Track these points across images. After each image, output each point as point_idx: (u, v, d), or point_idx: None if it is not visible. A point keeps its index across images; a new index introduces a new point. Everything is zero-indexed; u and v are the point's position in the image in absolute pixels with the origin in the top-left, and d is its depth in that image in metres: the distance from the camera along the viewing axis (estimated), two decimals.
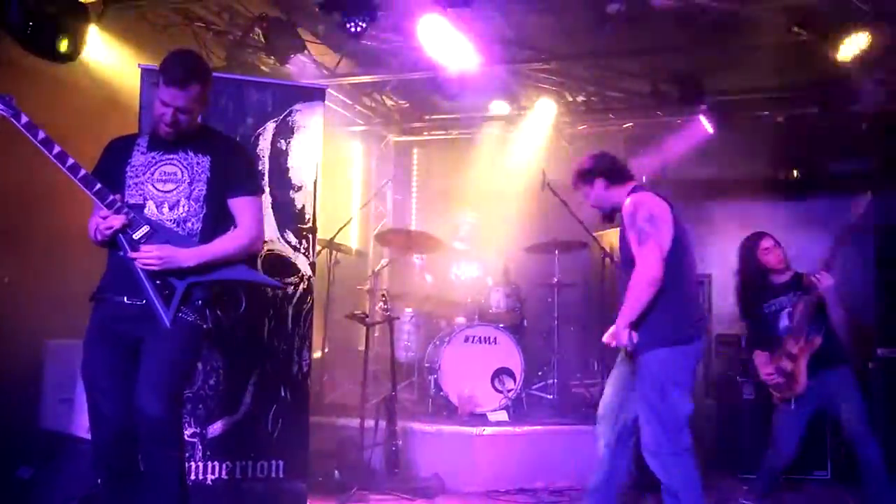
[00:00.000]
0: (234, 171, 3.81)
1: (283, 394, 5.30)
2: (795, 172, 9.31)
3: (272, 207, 5.34)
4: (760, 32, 6.54)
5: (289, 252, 5.39)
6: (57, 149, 3.50)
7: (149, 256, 3.51)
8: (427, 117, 9.90)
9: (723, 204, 9.38)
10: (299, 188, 5.46)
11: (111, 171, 3.70)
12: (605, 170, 4.57)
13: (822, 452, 6.41)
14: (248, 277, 3.91)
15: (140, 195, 3.66)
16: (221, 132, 4.09)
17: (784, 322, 5.24)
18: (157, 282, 3.55)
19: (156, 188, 3.68)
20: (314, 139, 5.51)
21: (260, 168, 5.34)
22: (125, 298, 3.60)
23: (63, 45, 5.59)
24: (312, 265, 5.48)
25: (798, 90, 8.07)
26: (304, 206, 5.46)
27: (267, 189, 5.33)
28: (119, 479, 3.62)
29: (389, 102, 9.77)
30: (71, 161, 3.51)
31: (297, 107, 5.49)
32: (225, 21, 7.03)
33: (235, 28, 7.08)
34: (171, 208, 3.67)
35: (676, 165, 9.16)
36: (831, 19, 6.18)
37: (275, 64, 7.14)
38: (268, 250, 5.33)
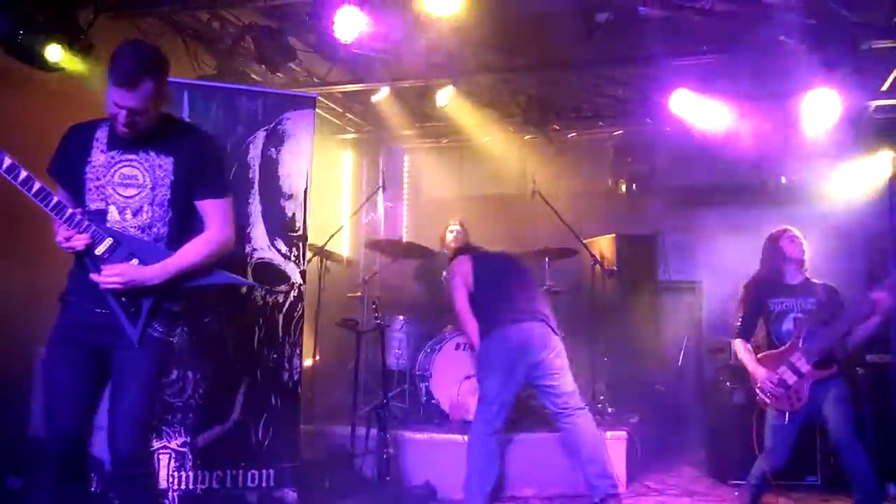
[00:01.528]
0: (200, 173, 3.64)
1: (273, 402, 5.30)
2: (784, 179, 9.35)
3: (262, 215, 5.36)
4: (748, 40, 6.57)
5: (279, 260, 5.41)
6: (8, 161, 3.34)
7: (111, 281, 3.40)
8: (417, 125, 9.90)
9: (711, 211, 9.42)
10: (290, 196, 5.47)
11: (70, 169, 3.55)
12: (456, 251, 6.34)
13: (813, 458, 6.40)
14: (220, 281, 3.72)
15: (102, 200, 3.51)
16: (187, 124, 3.90)
17: (788, 326, 5.14)
18: (123, 299, 3.45)
19: (117, 192, 3.51)
20: (305, 147, 5.53)
21: (250, 176, 5.36)
22: (94, 308, 3.49)
23: (53, 55, 5.59)
24: (303, 273, 5.50)
25: (786, 98, 8.10)
26: (294, 214, 5.48)
27: (257, 197, 5.36)
28: (64, 481, 3.51)
29: (380, 110, 9.77)
30: (23, 175, 3.36)
31: (287, 115, 5.51)
32: (215, 30, 7.03)
33: (226, 37, 7.08)
34: (134, 214, 3.52)
35: (665, 173, 9.20)
36: (818, 28, 6.21)
37: (265, 72, 7.15)
38: (258, 258, 5.34)
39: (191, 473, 5.02)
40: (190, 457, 5.04)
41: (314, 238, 6.22)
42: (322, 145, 7.01)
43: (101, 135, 3.58)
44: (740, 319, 5.38)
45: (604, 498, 5.27)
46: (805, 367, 4.98)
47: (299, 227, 5.49)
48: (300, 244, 5.49)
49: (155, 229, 3.55)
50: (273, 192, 5.43)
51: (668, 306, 9.18)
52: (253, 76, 7.47)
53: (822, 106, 6.94)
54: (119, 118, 3.44)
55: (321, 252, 7.33)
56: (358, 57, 7.44)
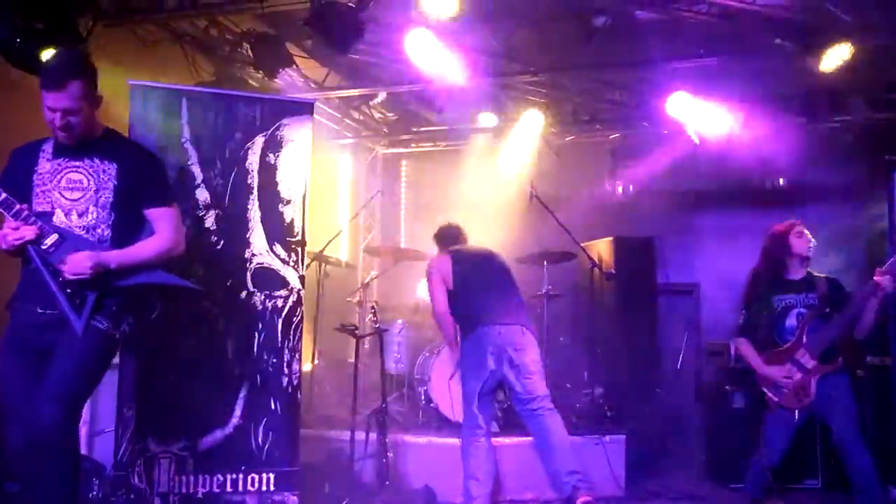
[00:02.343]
0: (147, 182, 3.84)
1: (273, 406, 5.30)
2: (782, 181, 9.37)
3: (261, 221, 5.37)
4: (745, 44, 6.60)
5: (278, 265, 5.40)
6: None
7: (81, 267, 3.54)
8: (415, 129, 9.93)
9: (709, 214, 9.44)
10: (288, 202, 5.47)
11: (19, 179, 3.70)
12: (438, 237, 6.39)
13: (813, 461, 6.40)
14: (165, 281, 3.90)
15: (48, 203, 3.67)
16: (129, 139, 4.08)
17: (791, 321, 5.11)
18: (69, 291, 3.57)
19: (63, 196, 3.69)
20: (303, 153, 5.53)
21: (249, 182, 5.37)
22: (38, 308, 3.63)
23: None
24: (302, 278, 5.50)
25: (784, 101, 8.12)
26: (293, 220, 5.48)
27: (256, 203, 5.36)
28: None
29: (377, 115, 9.81)
30: None
31: (285, 121, 5.51)
32: (213, 37, 7.05)
33: (224, 43, 7.10)
34: (79, 216, 3.69)
35: (663, 176, 9.21)
36: (814, 31, 6.24)
37: (263, 78, 7.17)
38: (257, 263, 5.34)
39: (191, 477, 5.02)
40: (190, 461, 5.04)
41: (313, 243, 6.22)
42: (320, 150, 7.02)
43: (47, 146, 3.77)
44: (743, 317, 5.32)
45: (571, 493, 5.28)
46: (810, 363, 4.96)
47: (298, 233, 5.49)
48: (299, 249, 5.49)
49: (99, 230, 3.71)
50: (272, 198, 5.43)
51: (667, 309, 9.20)
52: (251, 82, 7.49)
53: (818, 107, 6.97)
54: (55, 122, 3.60)
55: (320, 257, 7.35)
56: (355, 62, 7.48)
